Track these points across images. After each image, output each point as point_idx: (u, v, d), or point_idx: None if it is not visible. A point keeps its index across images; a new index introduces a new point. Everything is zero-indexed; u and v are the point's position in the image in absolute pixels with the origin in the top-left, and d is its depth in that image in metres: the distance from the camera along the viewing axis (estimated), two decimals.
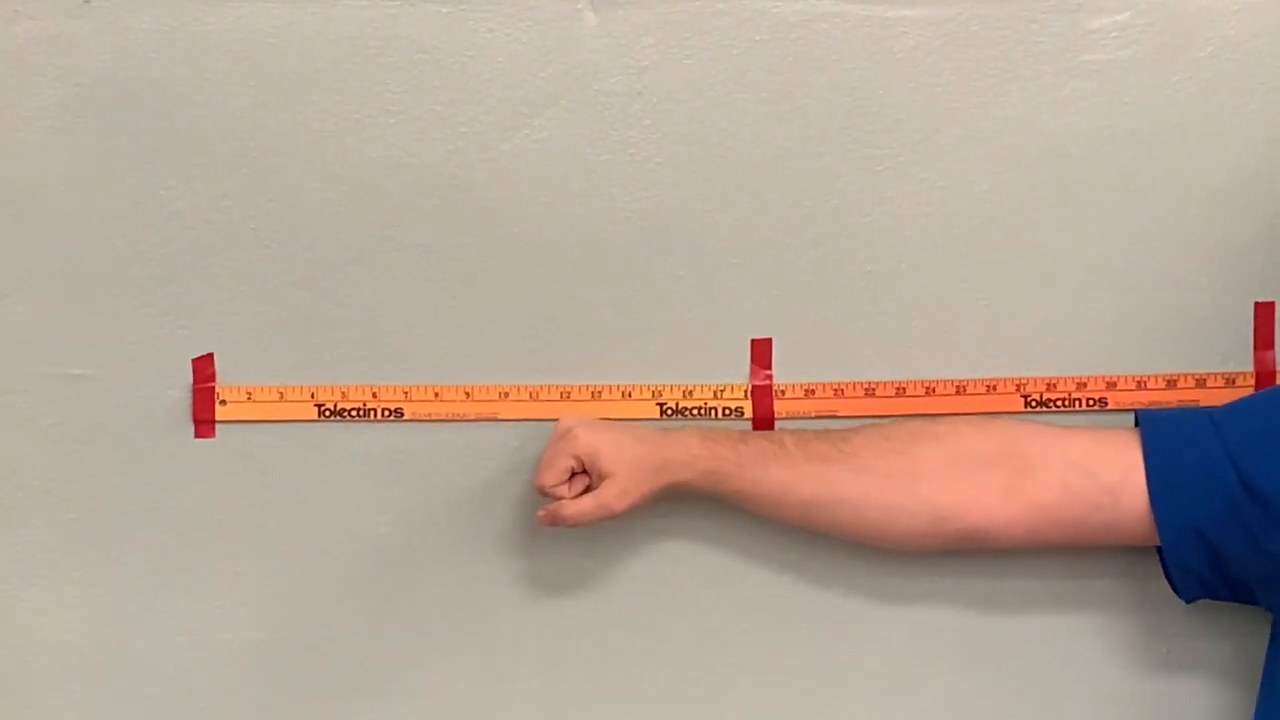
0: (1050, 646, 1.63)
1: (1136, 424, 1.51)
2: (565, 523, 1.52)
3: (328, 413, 1.61)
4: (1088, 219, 1.58)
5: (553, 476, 1.52)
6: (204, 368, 1.61)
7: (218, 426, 1.61)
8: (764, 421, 1.60)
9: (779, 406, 1.60)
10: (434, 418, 1.61)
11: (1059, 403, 1.59)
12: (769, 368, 1.60)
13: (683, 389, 1.60)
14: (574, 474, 1.53)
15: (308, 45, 1.57)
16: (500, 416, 1.60)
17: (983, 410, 1.58)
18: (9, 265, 1.60)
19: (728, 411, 1.60)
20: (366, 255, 1.59)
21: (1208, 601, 1.53)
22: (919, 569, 1.62)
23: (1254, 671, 1.57)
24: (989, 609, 1.63)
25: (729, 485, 1.53)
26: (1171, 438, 1.48)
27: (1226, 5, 1.55)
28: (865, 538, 1.55)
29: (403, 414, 1.61)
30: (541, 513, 1.53)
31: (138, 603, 1.64)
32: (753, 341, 1.60)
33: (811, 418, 1.60)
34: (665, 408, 1.60)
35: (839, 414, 1.60)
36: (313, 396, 1.61)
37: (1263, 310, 1.58)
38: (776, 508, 1.54)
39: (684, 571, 1.63)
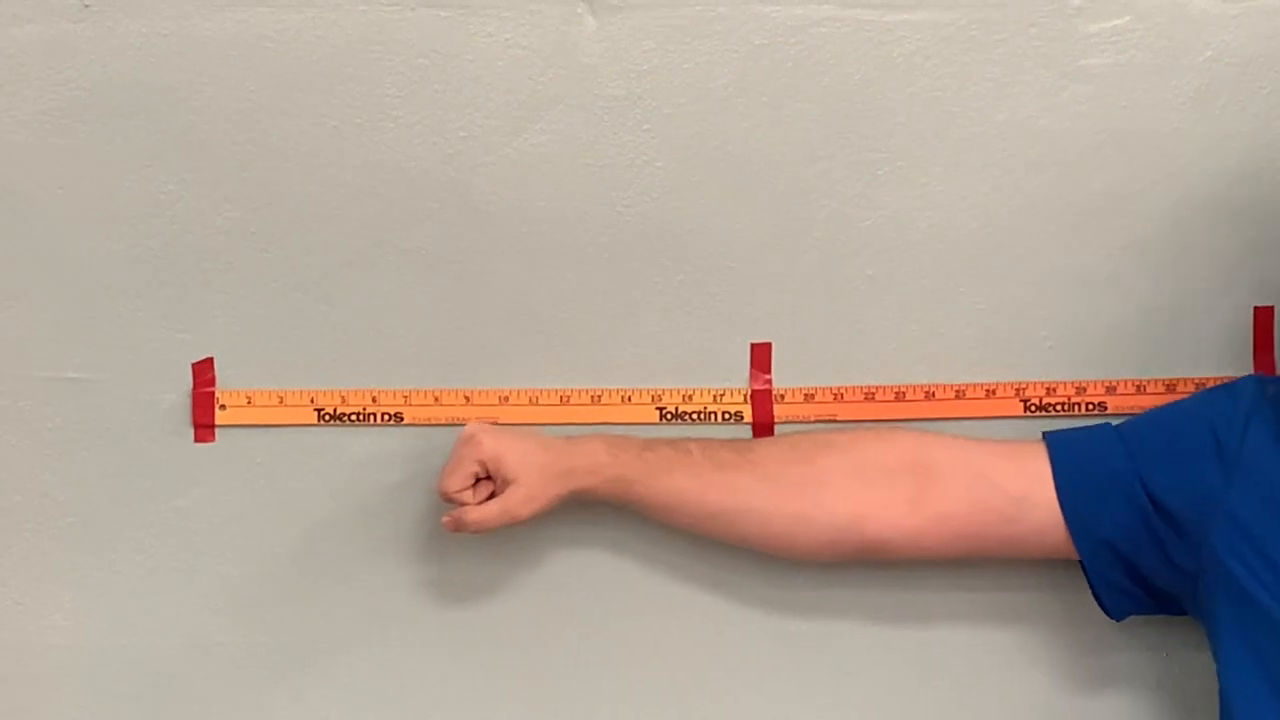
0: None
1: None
2: (468, 528, 1.52)
3: (327, 417, 1.61)
4: (1087, 223, 1.58)
5: (456, 482, 1.52)
6: (204, 372, 1.61)
7: (217, 431, 1.61)
8: (763, 426, 1.60)
9: (779, 411, 1.60)
10: (434, 422, 1.60)
11: (1058, 407, 1.59)
12: (769, 372, 1.60)
13: (682, 393, 1.61)
14: (479, 480, 1.53)
15: (307, 49, 1.57)
16: (500, 421, 1.60)
17: (984, 415, 1.59)
18: (9, 269, 1.60)
19: (727, 416, 1.60)
20: (366, 259, 1.59)
21: (1144, 617, 1.54)
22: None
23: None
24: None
25: (634, 493, 1.53)
26: (1078, 452, 1.49)
27: (1225, 10, 1.55)
28: (770, 547, 1.55)
29: (402, 418, 1.61)
30: (446, 518, 1.53)
31: (136, 606, 1.64)
32: (752, 346, 1.60)
33: (811, 422, 1.60)
34: (665, 412, 1.60)
35: (838, 418, 1.60)
36: (312, 401, 1.61)
37: (1262, 315, 1.58)
38: (682, 516, 1.54)
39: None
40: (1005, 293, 1.59)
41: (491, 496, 1.52)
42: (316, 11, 1.56)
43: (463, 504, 1.52)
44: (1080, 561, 1.49)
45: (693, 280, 1.59)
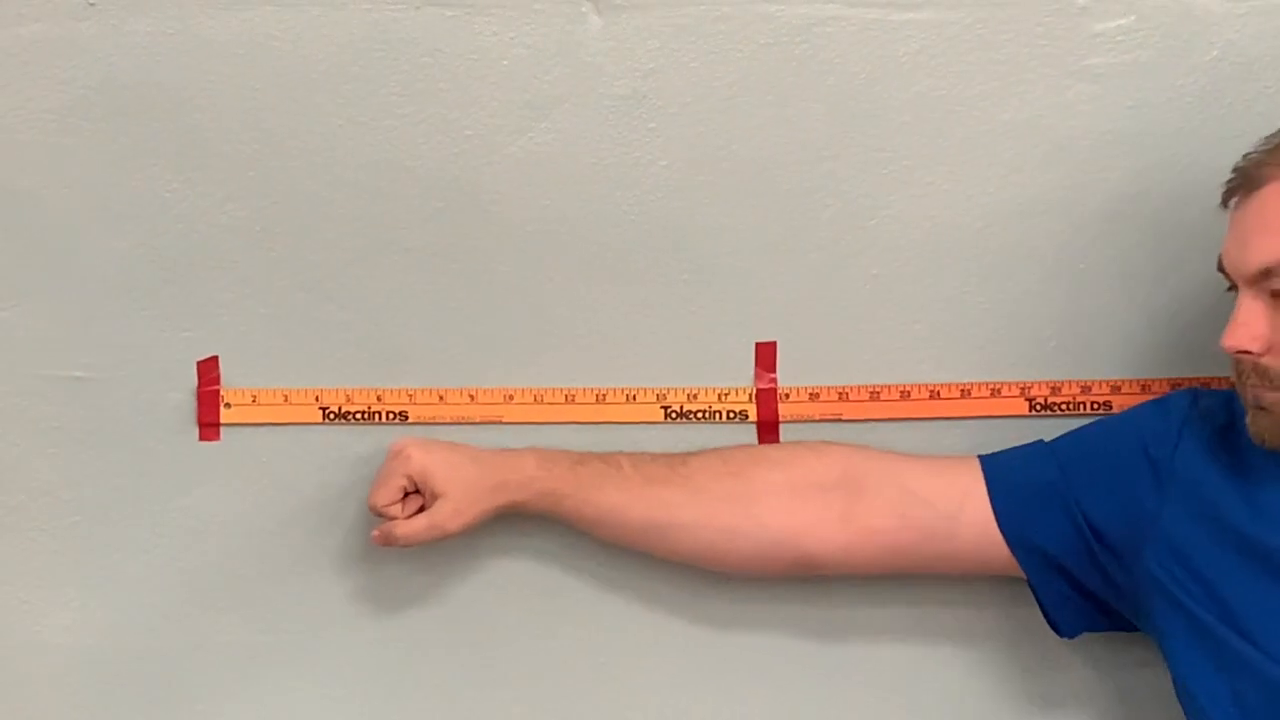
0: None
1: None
2: (397, 542, 1.52)
3: (332, 416, 1.61)
4: (1092, 222, 1.58)
5: (384, 496, 1.52)
6: (209, 370, 1.61)
7: (222, 429, 1.61)
8: (768, 425, 1.60)
9: (783, 410, 1.60)
10: (439, 421, 1.61)
11: (1064, 406, 1.59)
12: (774, 371, 1.60)
13: (687, 392, 1.61)
14: (408, 493, 1.53)
15: (312, 48, 1.57)
16: (505, 420, 1.60)
17: (988, 414, 1.59)
18: (13, 268, 1.60)
19: (732, 415, 1.60)
20: (371, 258, 1.60)
21: (1087, 635, 1.54)
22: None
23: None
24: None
25: (565, 507, 1.53)
26: (1014, 473, 1.49)
27: (1231, 9, 1.55)
28: (702, 561, 1.55)
29: (407, 417, 1.61)
30: (375, 533, 1.54)
31: (141, 605, 1.64)
32: (757, 345, 1.60)
33: (816, 421, 1.60)
34: (670, 411, 1.60)
35: (843, 417, 1.60)
36: (317, 399, 1.61)
37: None
38: (613, 530, 1.54)
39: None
40: (1010, 292, 1.59)
41: (422, 510, 1.53)
42: (321, 10, 1.56)
43: (392, 518, 1.53)
44: (1028, 580, 1.49)
45: (698, 279, 1.59)
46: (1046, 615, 1.51)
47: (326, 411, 1.61)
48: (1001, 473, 1.49)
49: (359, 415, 1.61)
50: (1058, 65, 1.56)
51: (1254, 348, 1.34)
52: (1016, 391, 1.59)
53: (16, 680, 1.65)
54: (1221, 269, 1.38)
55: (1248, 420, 1.37)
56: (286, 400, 1.61)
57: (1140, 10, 1.55)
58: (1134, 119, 1.57)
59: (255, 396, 1.61)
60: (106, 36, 1.57)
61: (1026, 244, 1.58)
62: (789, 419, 1.60)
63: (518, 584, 1.63)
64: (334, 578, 1.63)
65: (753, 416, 1.60)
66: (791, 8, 1.56)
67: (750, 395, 1.60)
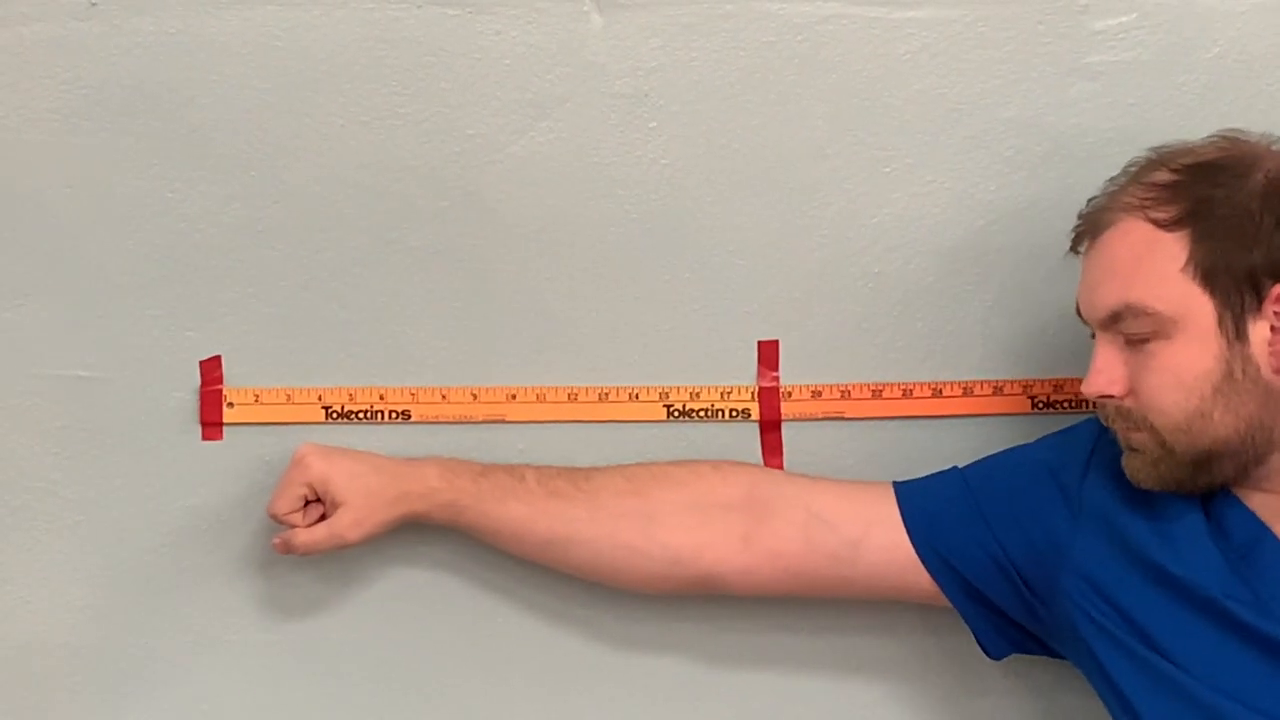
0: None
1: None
2: (296, 551, 1.53)
3: (335, 415, 1.61)
4: None
5: (285, 504, 1.52)
6: (211, 370, 1.61)
7: (225, 429, 1.61)
8: (771, 423, 1.60)
9: (786, 408, 1.60)
10: (441, 420, 1.61)
11: (1066, 404, 1.59)
12: (776, 369, 1.60)
13: (689, 391, 1.61)
14: (309, 502, 1.53)
15: (314, 48, 1.57)
16: (508, 418, 1.60)
17: (990, 412, 1.59)
18: (16, 267, 1.60)
19: (734, 413, 1.60)
20: (373, 257, 1.60)
21: (1019, 658, 1.53)
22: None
23: None
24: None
25: (466, 518, 1.53)
26: (928, 497, 1.49)
27: (1233, 6, 1.55)
28: (602, 578, 1.55)
29: (410, 416, 1.61)
30: (275, 540, 1.54)
31: (144, 604, 1.64)
32: (759, 343, 1.60)
33: (818, 419, 1.60)
34: (672, 409, 1.60)
35: (846, 415, 1.60)
36: (320, 399, 1.61)
37: None
38: (514, 542, 1.54)
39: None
40: (1013, 289, 1.59)
41: (323, 518, 1.53)
42: (324, 9, 1.57)
43: (292, 526, 1.53)
44: (953, 604, 1.49)
45: (700, 277, 1.59)
46: (976, 637, 1.51)
47: (329, 411, 1.61)
48: (916, 499, 1.49)
49: (362, 415, 1.61)
50: (1059, 63, 1.56)
51: (1114, 391, 1.36)
52: (1019, 389, 1.60)
53: (20, 679, 1.65)
54: (1079, 314, 1.40)
55: (1123, 461, 1.38)
56: (289, 399, 1.61)
57: (1141, 8, 1.56)
58: (1135, 117, 1.57)
59: (258, 396, 1.61)
60: (108, 36, 1.57)
61: (1029, 241, 1.58)
62: (791, 417, 1.60)
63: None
64: (337, 577, 1.63)
65: (755, 415, 1.60)
66: (793, 6, 1.56)
67: (753, 394, 1.61)
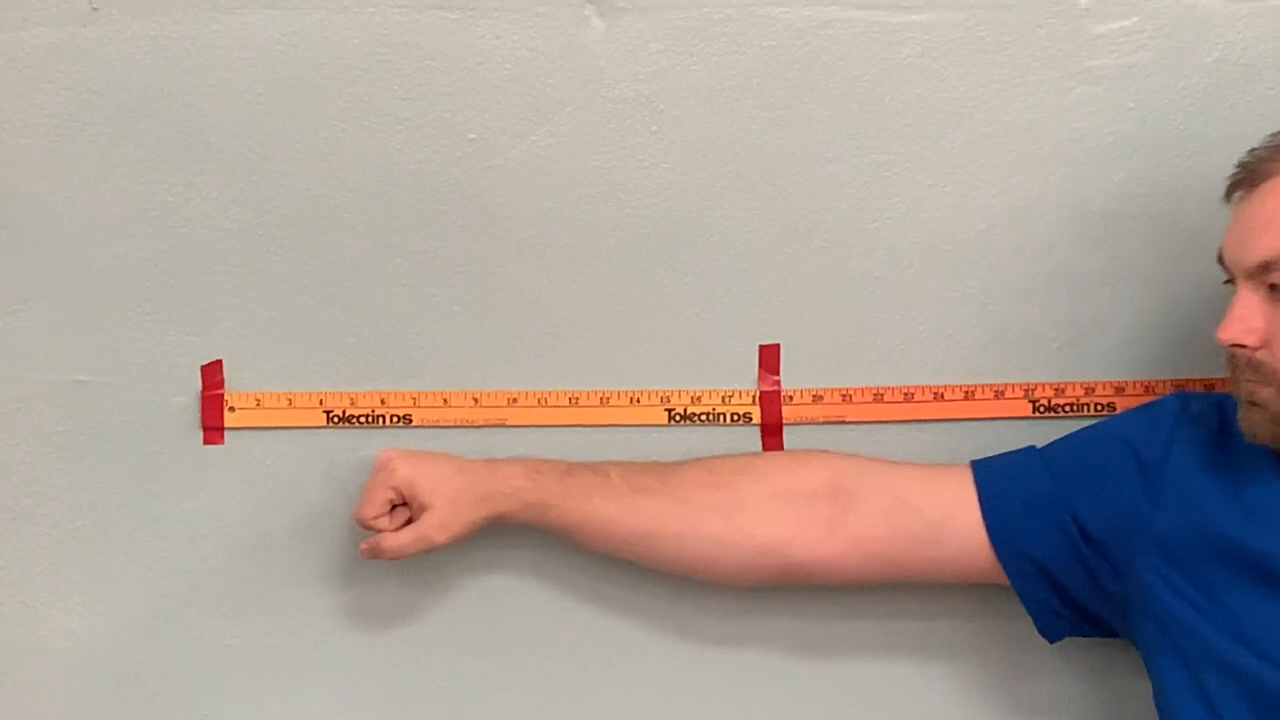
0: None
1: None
2: (384, 555, 1.52)
3: (336, 419, 1.61)
4: (1095, 223, 1.58)
5: (371, 509, 1.52)
6: (213, 374, 1.61)
7: (226, 433, 1.61)
8: (772, 427, 1.60)
9: (787, 412, 1.60)
10: (443, 424, 1.61)
11: (1067, 408, 1.59)
12: (777, 373, 1.60)
13: (691, 395, 1.61)
14: (395, 506, 1.53)
15: (316, 52, 1.57)
16: (509, 423, 1.60)
17: (991, 416, 1.59)
18: (18, 272, 1.60)
19: (736, 417, 1.60)
20: (375, 261, 1.60)
21: (1070, 641, 1.53)
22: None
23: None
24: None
25: (553, 517, 1.53)
26: (1004, 477, 1.49)
27: (1233, 10, 1.55)
28: (690, 571, 1.55)
29: (411, 420, 1.61)
30: (363, 545, 1.54)
31: (145, 608, 1.64)
32: (761, 347, 1.60)
33: (819, 423, 1.60)
34: (673, 413, 1.60)
35: (847, 419, 1.60)
36: (321, 403, 1.61)
37: None
38: (601, 539, 1.54)
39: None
40: (1013, 293, 1.59)
41: (409, 523, 1.53)
42: (325, 14, 1.57)
43: (379, 530, 1.52)
44: (1013, 587, 1.49)
45: (701, 282, 1.59)
46: (1033, 620, 1.51)
47: (330, 415, 1.61)
48: (992, 481, 1.49)
49: (363, 419, 1.61)
50: (1059, 67, 1.56)
51: (1249, 341, 1.34)
52: (1020, 393, 1.59)
53: (21, 684, 1.65)
54: (1221, 262, 1.38)
55: (1240, 415, 1.37)
56: (290, 404, 1.61)
57: (1142, 12, 1.56)
58: (1136, 120, 1.57)
59: (259, 400, 1.61)
60: (110, 41, 1.57)
61: (1029, 245, 1.58)
62: (792, 421, 1.60)
63: (508, 596, 1.62)
64: (339, 582, 1.63)
65: (756, 419, 1.60)
66: (794, 10, 1.56)
67: (754, 397, 1.61)
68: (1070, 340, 1.59)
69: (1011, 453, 1.52)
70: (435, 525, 1.51)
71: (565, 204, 1.59)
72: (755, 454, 1.57)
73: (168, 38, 1.57)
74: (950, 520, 1.48)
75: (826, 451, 1.56)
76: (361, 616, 1.64)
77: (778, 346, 1.60)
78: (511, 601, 1.63)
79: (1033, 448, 1.51)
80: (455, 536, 1.52)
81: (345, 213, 1.59)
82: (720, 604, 1.61)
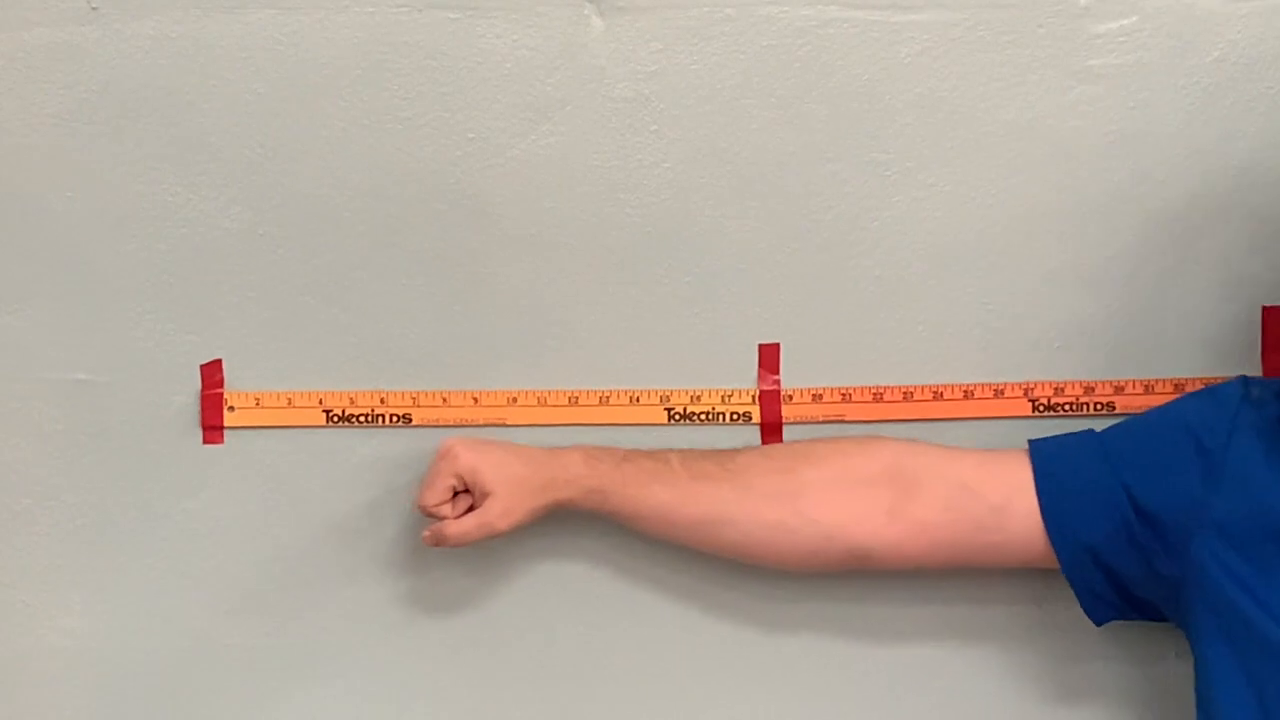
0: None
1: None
2: (448, 542, 1.53)
3: (336, 419, 1.61)
4: (1095, 223, 1.58)
5: (434, 496, 1.52)
6: (212, 373, 1.61)
7: (226, 432, 1.62)
8: (771, 427, 1.60)
9: (787, 411, 1.60)
10: (442, 423, 1.61)
11: (1066, 407, 1.59)
12: (777, 373, 1.60)
13: (690, 394, 1.61)
14: (457, 493, 1.53)
15: (315, 51, 1.57)
16: (508, 422, 1.60)
17: (992, 415, 1.59)
18: (17, 271, 1.60)
19: (735, 416, 1.60)
20: (374, 261, 1.60)
21: (1118, 626, 1.53)
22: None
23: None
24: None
25: (613, 504, 1.53)
26: (1061, 460, 1.48)
27: (1233, 9, 1.55)
28: (751, 557, 1.55)
29: (411, 419, 1.61)
30: (426, 533, 1.54)
31: (145, 608, 1.64)
32: (760, 346, 1.60)
33: (819, 422, 1.60)
34: (673, 413, 1.60)
35: (846, 419, 1.60)
36: (321, 402, 1.61)
37: (1270, 314, 1.58)
38: (661, 526, 1.54)
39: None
40: (1013, 292, 1.59)
41: (471, 510, 1.53)
42: (325, 14, 1.57)
43: (441, 518, 1.53)
44: (1063, 571, 1.49)
45: (700, 281, 1.59)
46: (1080, 603, 1.51)
47: (330, 414, 1.61)
48: (1049, 466, 1.48)
49: (362, 418, 1.61)
50: (1059, 66, 1.56)
51: None
52: (1019, 392, 1.59)
53: (20, 683, 1.65)
54: None
55: None
56: (290, 403, 1.61)
57: (1142, 11, 1.56)
58: (1136, 120, 1.57)
59: (259, 399, 1.61)
60: (109, 40, 1.57)
61: (1029, 244, 1.58)
62: (792, 420, 1.60)
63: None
64: (339, 580, 1.63)
65: (756, 418, 1.60)
66: (793, 10, 1.56)
67: (753, 397, 1.61)
68: (1070, 339, 1.59)
69: (1069, 435, 1.51)
70: (498, 512, 1.51)
71: (565, 203, 1.59)
72: (816, 440, 1.57)
73: (167, 37, 1.57)
74: (1010, 504, 1.48)
75: (887, 437, 1.56)
76: (363, 615, 1.64)
77: (777, 346, 1.60)
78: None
79: (1091, 431, 1.51)
80: (517, 524, 1.53)
81: (345, 212, 1.59)
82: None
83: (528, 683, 1.65)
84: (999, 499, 1.48)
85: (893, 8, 1.56)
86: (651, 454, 1.54)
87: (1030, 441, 1.51)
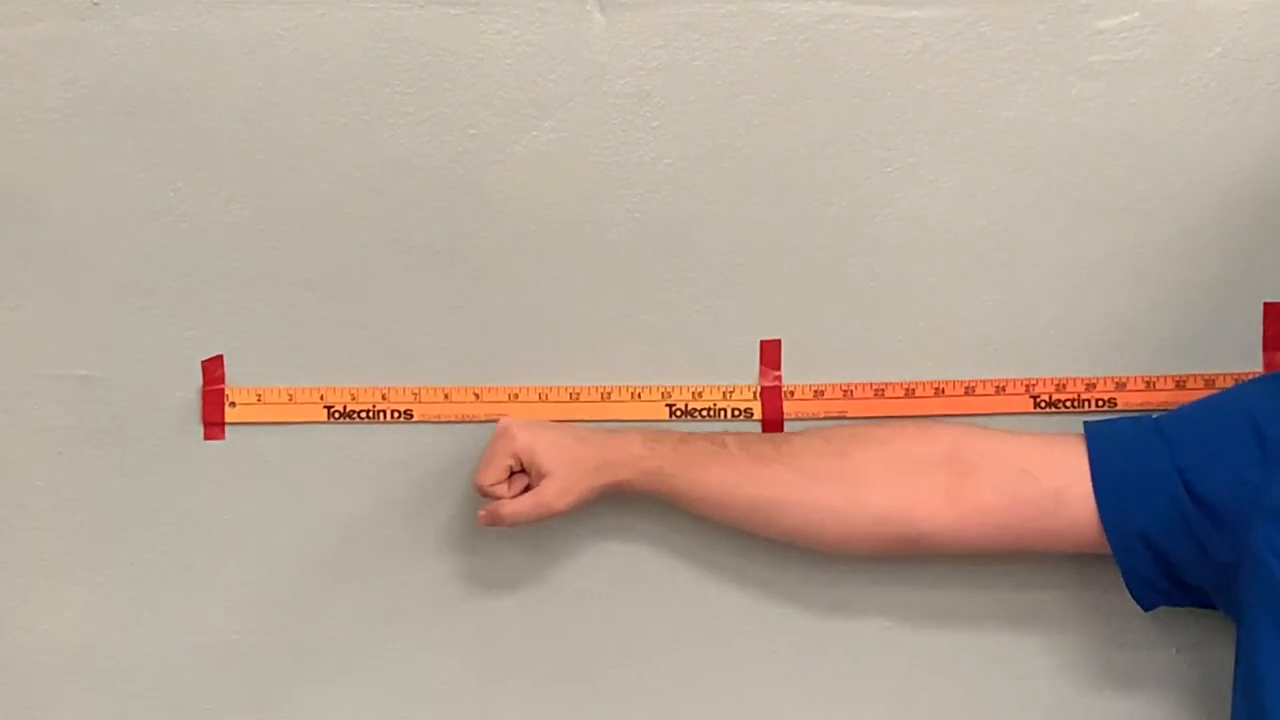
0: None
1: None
2: (504, 522, 1.52)
3: (337, 414, 1.61)
4: (1096, 219, 1.58)
5: (490, 476, 1.52)
6: (213, 369, 1.61)
7: (227, 428, 1.61)
8: (773, 423, 1.60)
9: (788, 408, 1.60)
10: (443, 419, 1.61)
11: (1068, 403, 1.59)
12: (778, 369, 1.60)
13: (692, 390, 1.61)
14: (514, 473, 1.53)
15: (316, 47, 1.57)
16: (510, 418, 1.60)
17: (993, 411, 1.59)
18: (18, 267, 1.60)
19: (737, 413, 1.60)
20: (376, 256, 1.60)
21: (1164, 612, 1.53)
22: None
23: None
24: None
25: (670, 485, 1.53)
26: (1117, 446, 1.48)
27: (1235, 6, 1.55)
28: (808, 540, 1.55)
29: (412, 415, 1.61)
30: (482, 512, 1.54)
31: (146, 604, 1.64)
32: (762, 343, 1.60)
33: (820, 419, 1.60)
34: (674, 409, 1.60)
35: (848, 415, 1.60)
36: (322, 398, 1.61)
37: (1272, 311, 1.58)
38: (718, 509, 1.54)
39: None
40: (1014, 289, 1.59)
41: (527, 490, 1.53)
42: (325, 9, 1.57)
43: (497, 498, 1.52)
44: (1114, 557, 1.48)
45: (702, 277, 1.59)
46: (1129, 589, 1.50)
47: (331, 410, 1.61)
48: (1104, 451, 1.48)
49: (364, 414, 1.61)
50: (1061, 63, 1.56)
51: None
52: (1021, 389, 1.60)
53: (21, 679, 1.65)
54: None
55: None
56: (291, 399, 1.61)
57: (1143, 7, 1.56)
58: (1137, 116, 1.57)
59: (260, 395, 1.61)
60: (110, 36, 1.57)
61: (1030, 241, 1.58)
62: (794, 416, 1.60)
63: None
64: (340, 576, 1.63)
65: (757, 414, 1.60)
66: (795, 5, 1.56)
67: (755, 393, 1.61)
68: (1071, 336, 1.59)
69: (1126, 420, 1.51)
70: (555, 492, 1.51)
71: (567, 199, 1.59)
72: (873, 423, 1.57)
73: (168, 33, 1.57)
74: (1068, 489, 1.47)
75: (944, 421, 1.56)
76: (363, 611, 1.64)
77: (779, 342, 1.60)
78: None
79: (1148, 416, 1.50)
80: (574, 504, 1.52)
81: (346, 208, 1.59)
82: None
83: (527, 683, 1.65)
84: (1056, 483, 1.48)
85: (894, 4, 1.56)
86: (709, 437, 1.54)
87: (1086, 425, 1.50)
